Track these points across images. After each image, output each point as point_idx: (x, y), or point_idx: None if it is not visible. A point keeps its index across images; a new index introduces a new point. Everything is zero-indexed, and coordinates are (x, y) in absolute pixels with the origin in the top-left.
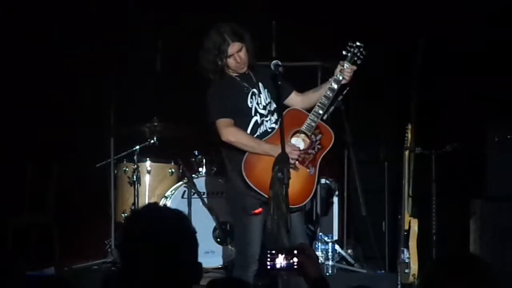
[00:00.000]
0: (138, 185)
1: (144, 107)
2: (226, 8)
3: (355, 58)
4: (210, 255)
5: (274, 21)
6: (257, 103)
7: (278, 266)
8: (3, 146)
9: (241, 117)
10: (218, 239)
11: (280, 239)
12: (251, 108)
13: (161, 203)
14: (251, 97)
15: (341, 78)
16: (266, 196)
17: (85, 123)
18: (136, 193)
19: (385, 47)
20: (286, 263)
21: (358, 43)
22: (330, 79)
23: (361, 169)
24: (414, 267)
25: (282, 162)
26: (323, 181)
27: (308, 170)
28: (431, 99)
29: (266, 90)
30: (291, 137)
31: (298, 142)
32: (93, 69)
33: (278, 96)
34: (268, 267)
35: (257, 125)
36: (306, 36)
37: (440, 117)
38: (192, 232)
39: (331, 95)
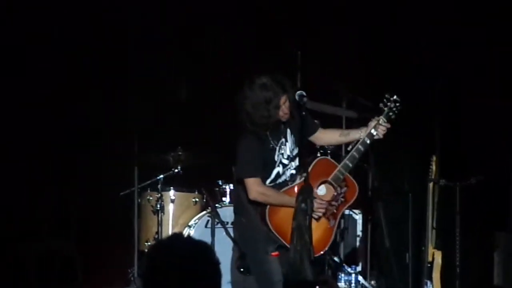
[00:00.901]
0: (162, 214)
1: (168, 136)
2: (251, 37)
3: (391, 114)
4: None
5: (299, 52)
6: (282, 153)
7: None
8: (26, 173)
9: (265, 169)
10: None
11: (303, 270)
12: (276, 161)
13: (185, 232)
14: (279, 150)
15: (375, 133)
16: (285, 243)
17: (110, 151)
18: (159, 222)
19: (410, 79)
20: None
21: (395, 97)
22: (361, 130)
23: (385, 200)
24: None
25: (305, 193)
26: (347, 211)
27: (328, 221)
28: (456, 131)
29: (292, 135)
30: (318, 186)
31: (324, 192)
32: (118, 97)
33: (302, 127)
34: None
35: (278, 175)
36: (331, 66)
37: (465, 149)
38: (216, 263)
39: (363, 150)
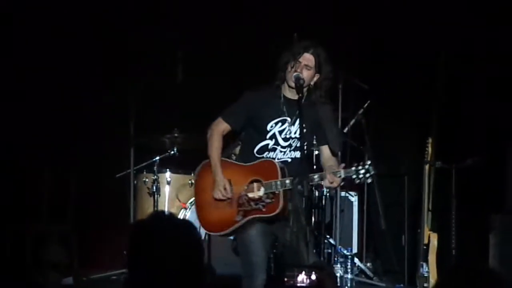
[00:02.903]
0: (158, 195)
1: (164, 118)
2: (245, 17)
3: (354, 176)
4: (229, 267)
5: (296, 34)
6: (280, 131)
7: (297, 284)
8: (22, 153)
9: (256, 133)
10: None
11: (299, 251)
12: (268, 131)
13: (181, 213)
14: (277, 123)
15: (322, 180)
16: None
17: (105, 133)
18: (155, 203)
19: (407, 61)
20: (305, 281)
21: (370, 167)
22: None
23: (381, 182)
24: (433, 281)
25: (301, 175)
26: (343, 193)
27: (236, 215)
28: (452, 113)
29: (300, 128)
30: (251, 182)
31: (254, 191)
32: (114, 79)
33: (299, 110)
34: (286, 283)
35: (265, 148)
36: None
37: (461, 131)
38: (198, 240)
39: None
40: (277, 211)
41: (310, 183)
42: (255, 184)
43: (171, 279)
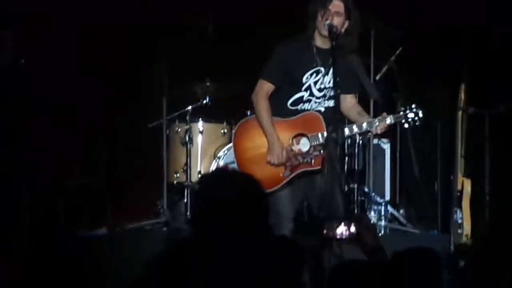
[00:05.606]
0: (191, 145)
1: (196, 67)
2: None
3: (403, 121)
4: None
5: None
6: (315, 82)
7: (335, 235)
8: (51, 106)
9: (289, 86)
10: None
11: (334, 199)
12: (303, 83)
13: (213, 163)
14: (312, 74)
15: (371, 127)
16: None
17: (138, 84)
18: (188, 153)
19: (437, 6)
20: (343, 233)
21: (420, 111)
22: (373, 120)
23: (413, 129)
24: (467, 228)
25: (336, 123)
26: (375, 141)
27: (284, 170)
28: (485, 58)
29: (334, 77)
30: (296, 136)
31: (305, 144)
32: (146, 29)
33: (334, 59)
34: (325, 235)
35: (300, 100)
36: None
37: (494, 76)
38: (263, 194)
39: (354, 132)
40: (324, 162)
41: (359, 132)
42: (301, 138)
43: (236, 232)
